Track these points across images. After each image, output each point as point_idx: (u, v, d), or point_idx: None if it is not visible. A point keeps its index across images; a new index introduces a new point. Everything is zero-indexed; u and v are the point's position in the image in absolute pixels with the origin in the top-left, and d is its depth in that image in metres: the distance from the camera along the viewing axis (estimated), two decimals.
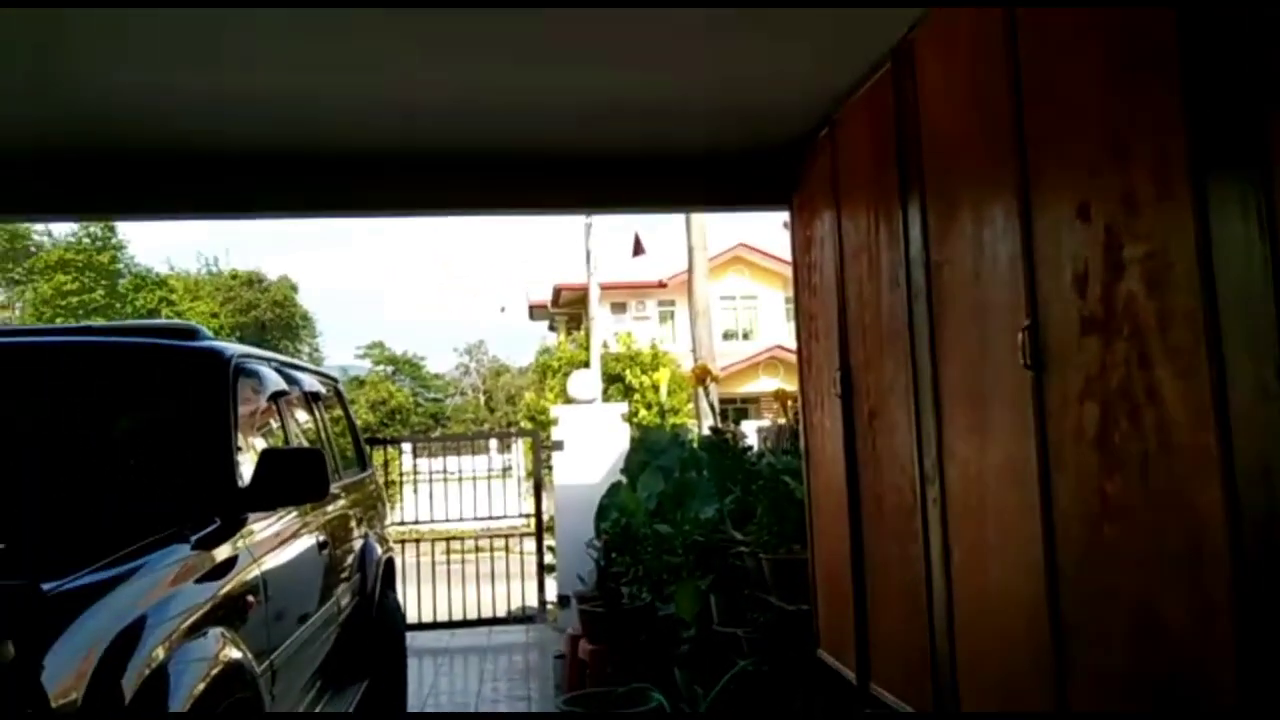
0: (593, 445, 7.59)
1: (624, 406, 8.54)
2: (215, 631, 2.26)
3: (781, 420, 6.84)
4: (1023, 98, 2.09)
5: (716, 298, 20.93)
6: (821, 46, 2.89)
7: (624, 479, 6.76)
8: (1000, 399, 2.23)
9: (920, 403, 2.68)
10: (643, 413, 16.45)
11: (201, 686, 2.04)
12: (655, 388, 17.45)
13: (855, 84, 3.12)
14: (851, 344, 3.30)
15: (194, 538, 2.42)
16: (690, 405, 16.30)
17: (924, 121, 2.64)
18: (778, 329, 26.62)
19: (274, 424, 3.64)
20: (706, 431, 6.42)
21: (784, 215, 4.10)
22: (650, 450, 6.74)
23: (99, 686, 1.73)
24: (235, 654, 2.29)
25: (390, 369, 44.82)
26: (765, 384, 22.82)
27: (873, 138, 3.04)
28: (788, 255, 4.23)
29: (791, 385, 6.46)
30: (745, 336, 27.94)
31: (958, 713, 2.49)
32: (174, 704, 1.92)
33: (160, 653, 1.96)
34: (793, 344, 4.36)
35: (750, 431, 7.85)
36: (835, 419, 3.43)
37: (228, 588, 2.45)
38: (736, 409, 23.89)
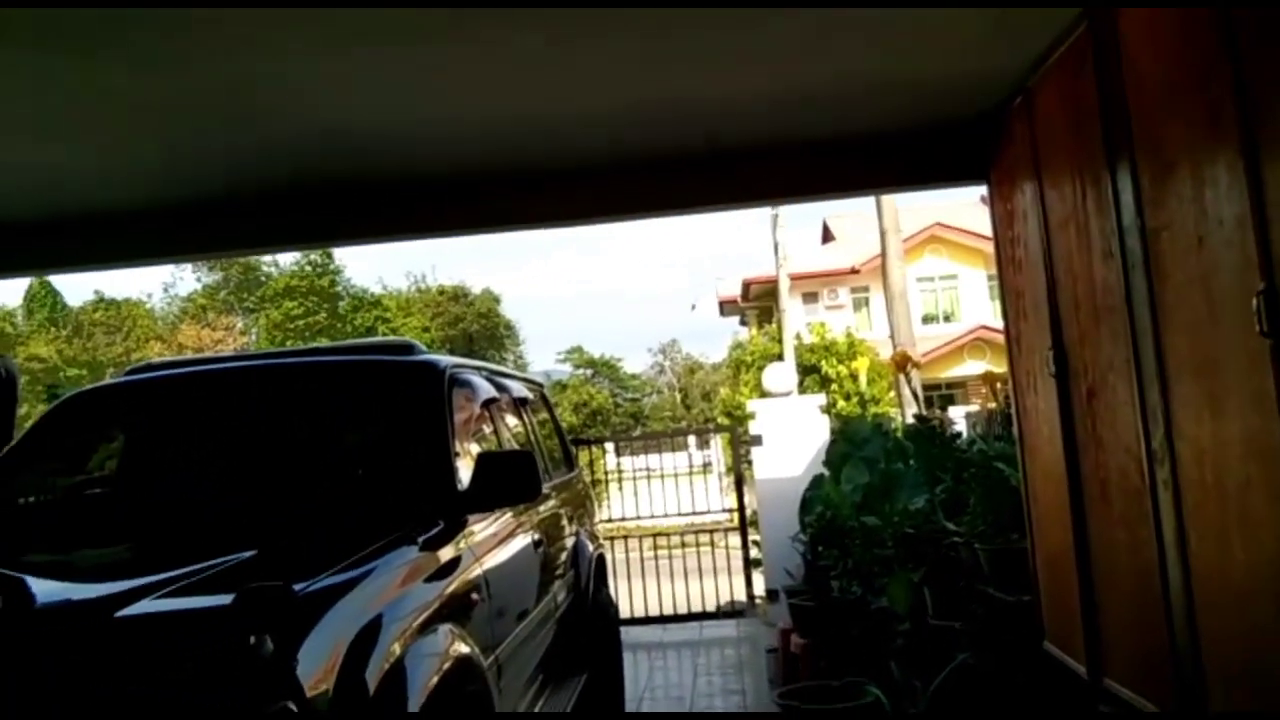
0: (791, 438, 7.54)
1: (821, 398, 8.43)
2: (445, 628, 2.40)
3: (991, 405, 6.57)
4: (1239, 41, 1.93)
5: (913, 280, 20.30)
6: (1010, 14, 2.78)
7: (826, 471, 6.67)
8: (1234, 370, 2.06)
9: (1143, 379, 2.51)
10: (841, 403, 16.17)
11: (435, 680, 2.17)
12: (853, 377, 17.12)
13: (1049, 48, 2.97)
14: (1063, 320, 3.13)
15: (421, 539, 2.58)
16: (891, 394, 15.89)
17: (1129, 80, 2.48)
18: (981, 309, 25.55)
19: (486, 429, 3.82)
20: (910, 420, 6.26)
21: (981, 190, 3.95)
22: (852, 441, 6.62)
23: (346, 680, 1.87)
24: (464, 649, 2.42)
25: (589, 371, 46.03)
26: (971, 367, 21.98)
27: (1073, 102, 2.88)
28: (987, 231, 4.06)
29: (999, 367, 6.19)
30: (946, 319, 26.96)
31: (1205, 712, 2.32)
32: (411, 696, 2.05)
33: (397, 648, 2.09)
34: (998, 323, 4.17)
35: (958, 418, 7.58)
36: (1050, 400, 3.27)
37: (453, 586, 2.59)
38: (941, 395, 23.11)
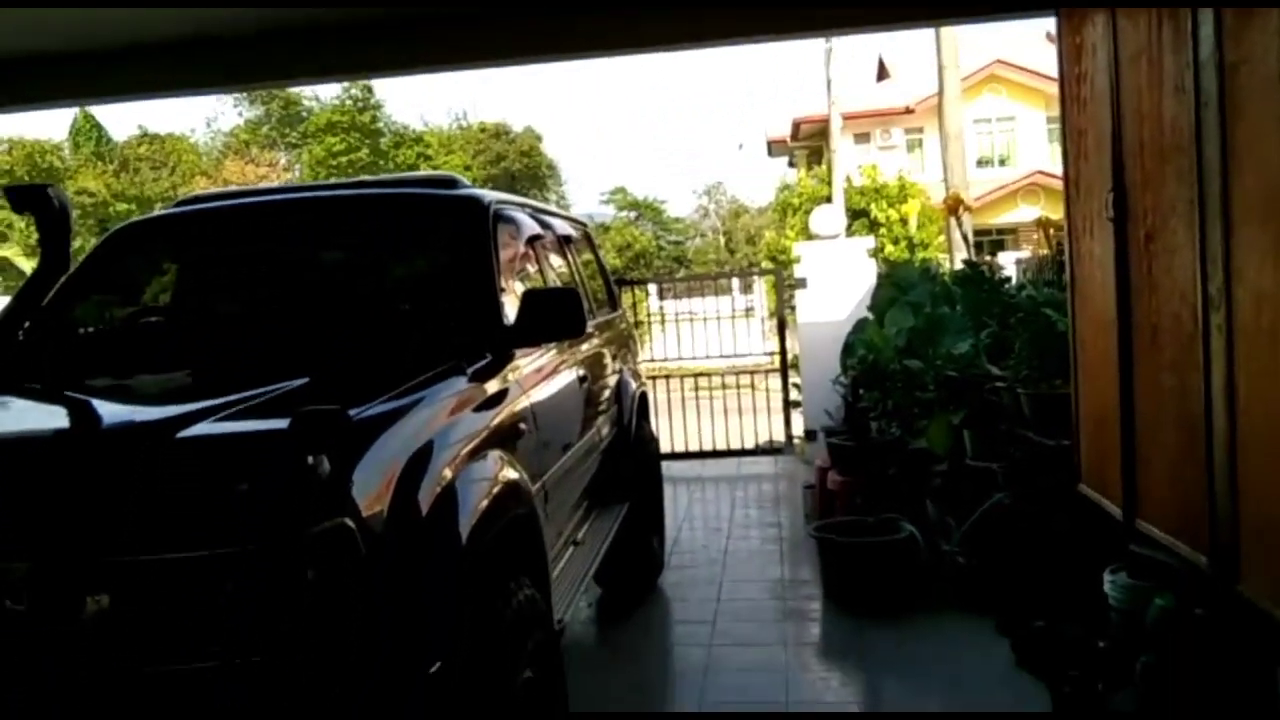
0: (837, 282, 7.48)
1: (869, 241, 8.31)
2: (494, 454, 2.47)
3: (1043, 251, 6.44)
4: None
5: (969, 121, 19.60)
6: None
7: (870, 315, 6.65)
8: None
9: (1206, 222, 2.44)
10: (889, 248, 15.94)
11: (485, 503, 2.25)
12: (903, 221, 16.82)
13: None
14: (1127, 161, 3.02)
15: (469, 370, 2.63)
16: (940, 239, 15.60)
17: None
18: (1038, 153, 24.71)
19: (531, 266, 3.83)
20: (959, 265, 6.16)
21: (1047, 24, 3.75)
22: (898, 285, 6.57)
23: (399, 501, 1.95)
24: (513, 474, 2.50)
25: (633, 214, 45.62)
26: (1024, 213, 21.44)
27: None
28: (1050, 70, 3.88)
29: (1053, 214, 6.03)
30: (1001, 163, 26.14)
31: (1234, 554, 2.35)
32: (463, 518, 2.13)
33: (448, 473, 2.16)
34: (1055, 169, 4.03)
35: (1007, 264, 7.46)
36: (1106, 244, 3.19)
37: (501, 416, 2.65)
38: (991, 241, 22.68)
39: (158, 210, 4.54)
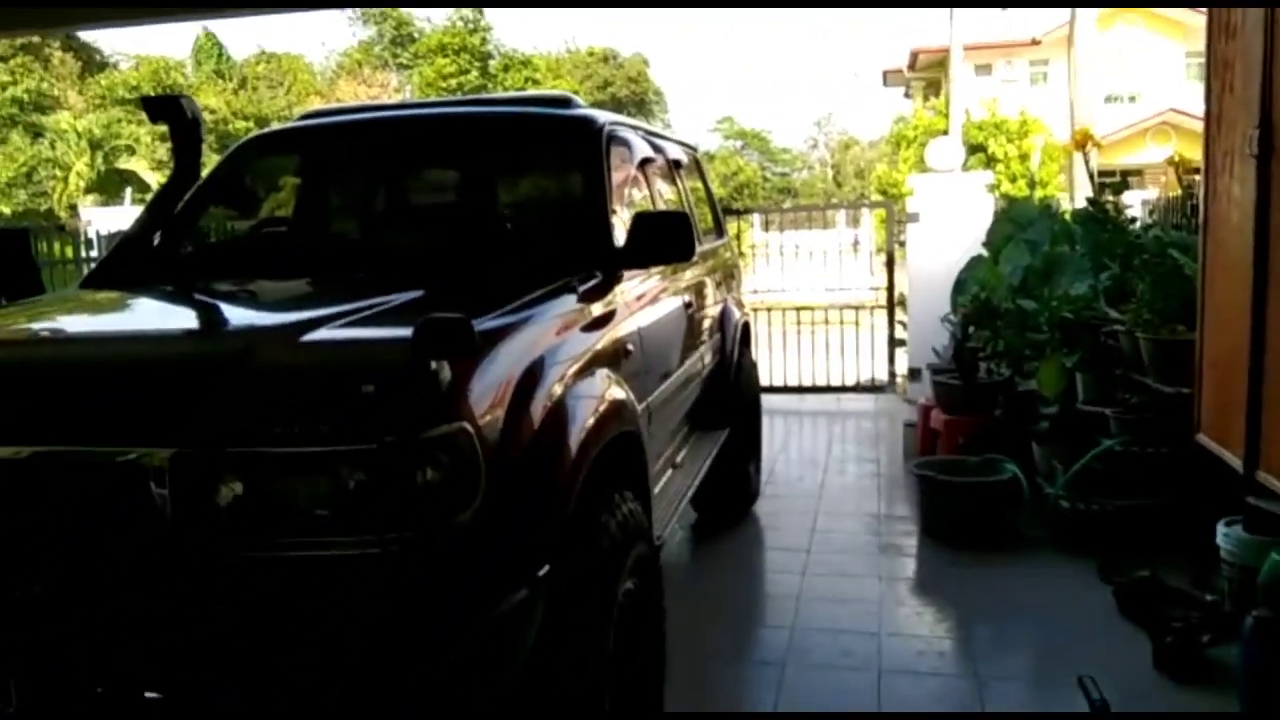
0: (951, 217, 7.28)
1: (988, 176, 8.04)
2: (602, 372, 2.51)
3: (1173, 192, 6.15)
4: None
5: (1099, 54, 18.63)
6: None
7: (985, 253, 6.47)
8: None
9: None
10: (1006, 185, 15.41)
11: (593, 419, 2.30)
12: (1023, 157, 16.20)
13: None
14: (1276, 94, 2.85)
15: (580, 289, 2.66)
16: (1061, 177, 15.01)
17: None
18: (1172, 90, 23.38)
19: (641, 189, 3.82)
20: (1082, 204, 5.92)
21: None
22: (1015, 222, 6.36)
23: (514, 412, 2.00)
24: (620, 393, 2.54)
25: (739, 143, 44.95)
26: (1152, 154, 20.38)
27: None
28: None
29: (1188, 153, 5.73)
30: (1131, 100, 24.85)
31: None
32: (572, 433, 2.18)
33: (559, 388, 2.21)
34: (1191, 107, 3.81)
35: (1134, 204, 7.13)
36: (1247, 183, 3.03)
37: (609, 336, 2.69)
38: (1116, 182, 21.67)
39: (277, 125, 4.66)
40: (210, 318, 2.62)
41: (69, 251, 9.43)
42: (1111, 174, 22.17)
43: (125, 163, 28.51)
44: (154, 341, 2.32)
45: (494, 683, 1.84)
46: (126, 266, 3.18)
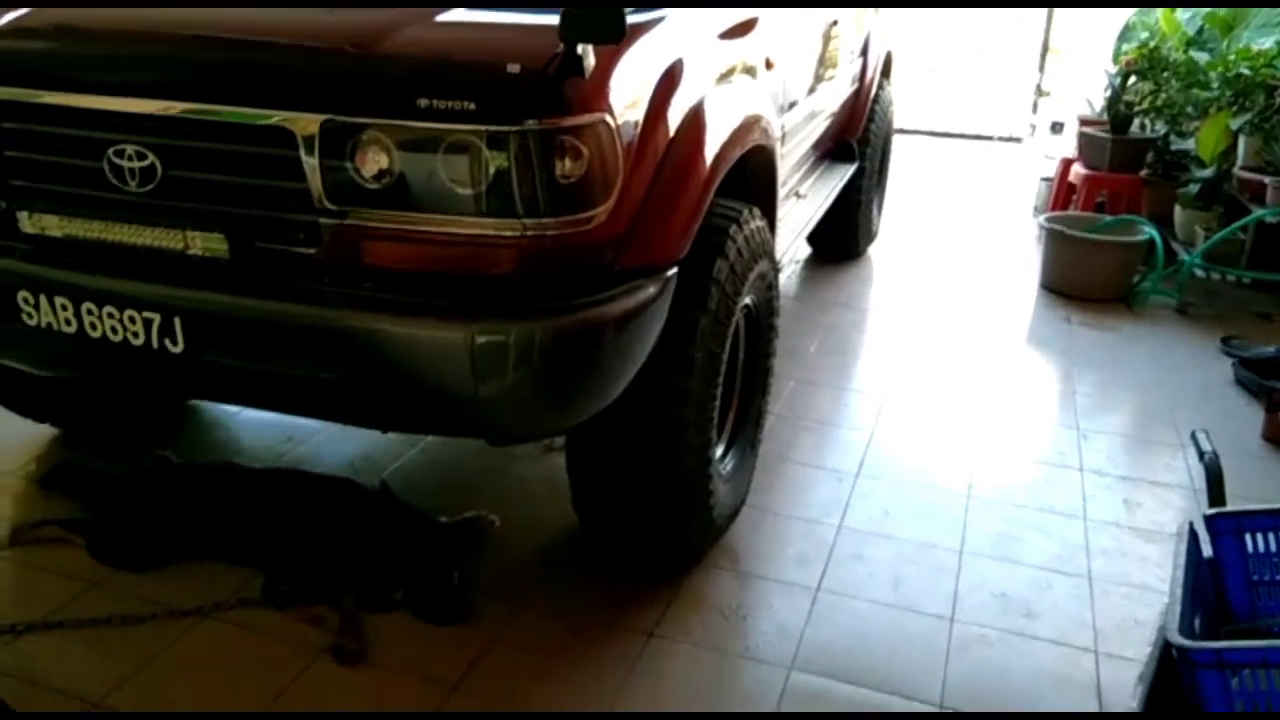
0: None
1: None
2: (741, 81, 2.42)
3: None
4: None
5: None
6: None
7: None
8: None
9: None
10: None
11: (730, 130, 2.24)
12: None
13: None
14: None
15: None
16: None
17: None
18: None
19: None
20: None
21: None
22: None
23: (653, 112, 1.96)
24: (757, 106, 2.46)
25: None
26: None
27: None
28: None
29: None
30: None
31: None
32: (709, 140, 2.13)
33: (697, 93, 2.14)
34: None
35: None
36: None
37: (751, 44, 2.57)
38: None
39: None
40: None
41: None
42: None
43: None
44: (301, 13, 2.30)
45: (619, 372, 1.92)
46: None
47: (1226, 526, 1.89)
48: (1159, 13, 5.43)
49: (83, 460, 2.73)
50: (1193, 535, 1.87)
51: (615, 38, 1.70)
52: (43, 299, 1.94)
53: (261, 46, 1.96)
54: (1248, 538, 1.90)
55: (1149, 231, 4.37)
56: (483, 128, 1.71)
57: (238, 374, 1.91)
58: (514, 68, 1.73)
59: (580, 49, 1.72)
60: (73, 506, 2.54)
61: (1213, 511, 1.91)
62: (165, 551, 2.38)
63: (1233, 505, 1.96)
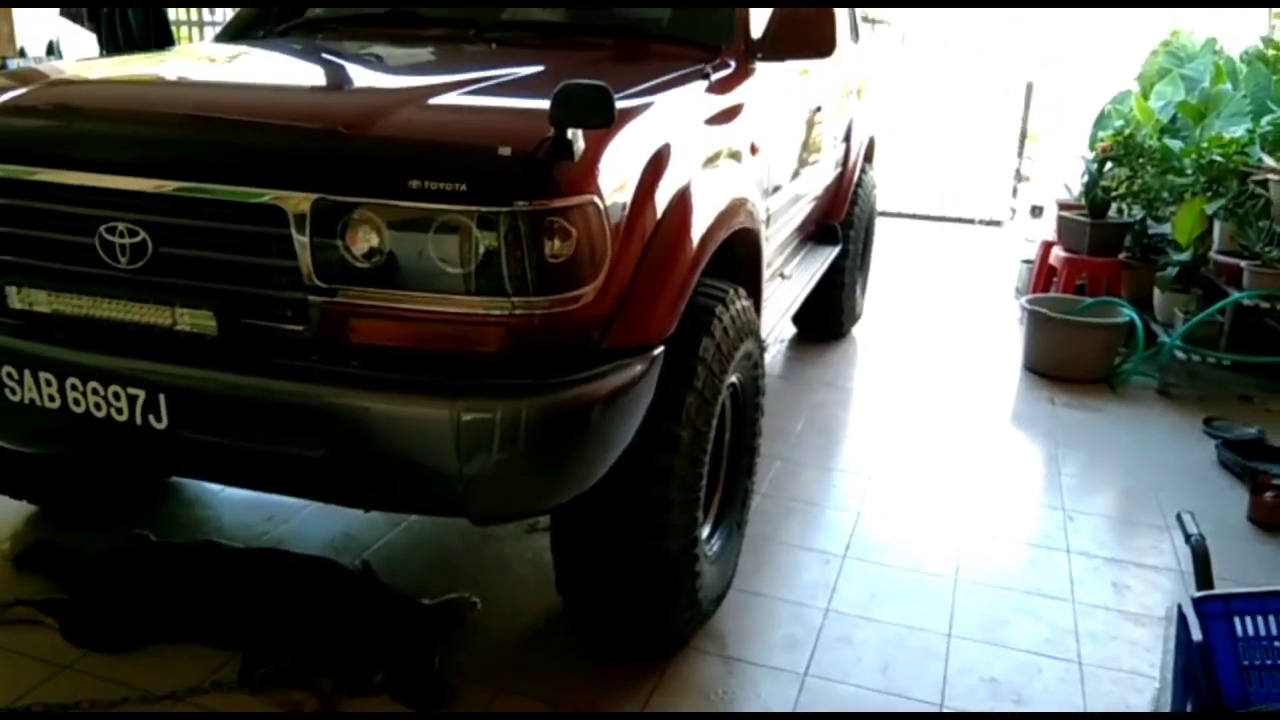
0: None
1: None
2: (727, 165, 2.47)
3: None
4: None
5: None
6: None
7: (1137, 87, 6.05)
8: None
9: None
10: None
11: (716, 212, 2.27)
12: None
13: None
14: None
15: (712, 78, 2.58)
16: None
17: None
18: None
19: None
20: (1257, 43, 5.45)
21: None
22: (1176, 56, 5.92)
23: (640, 194, 1.99)
24: (743, 189, 2.50)
25: None
26: None
27: None
28: None
29: None
30: None
31: None
32: (695, 222, 2.17)
33: (684, 176, 2.18)
34: None
35: None
36: None
37: (737, 129, 2.62)
38: None
39: None
40: (345, 76, 2.63)
41: (194, 12, 9.51)
42: None
43: None
44: (295, 93, 2.35)
45: (605, 450, 1.91)
46: (258, 23, 3.20)
47: (1215, 610, 1.88)
48: (1133, 101, 5.59)
49: (60, 538, 2.69)
50: (1182, 619, 1.86)
51: (604, 122, 1.74)
52: (27, 374, 1.93)
53: (255, 127, 1.99)
54: (1237, 621, 1.88)
55: (1129, 313, 4.42)
56: (474, 208, 1.74)
57: (221, 451, 1.90)
58: (505, 150, 1.76)
59: (570, 133, 1.76)
60: (48, 586, 2.48)
61: (1201, 595, 1.89)
62: (141, 633, 2.32)
63: (1220, 588, 1.95)
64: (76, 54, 6.75)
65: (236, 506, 3.01)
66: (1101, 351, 4.43)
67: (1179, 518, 2.02)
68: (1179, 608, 1.87)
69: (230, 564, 2.49)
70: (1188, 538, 1.93)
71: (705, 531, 2.46)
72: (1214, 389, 4.39)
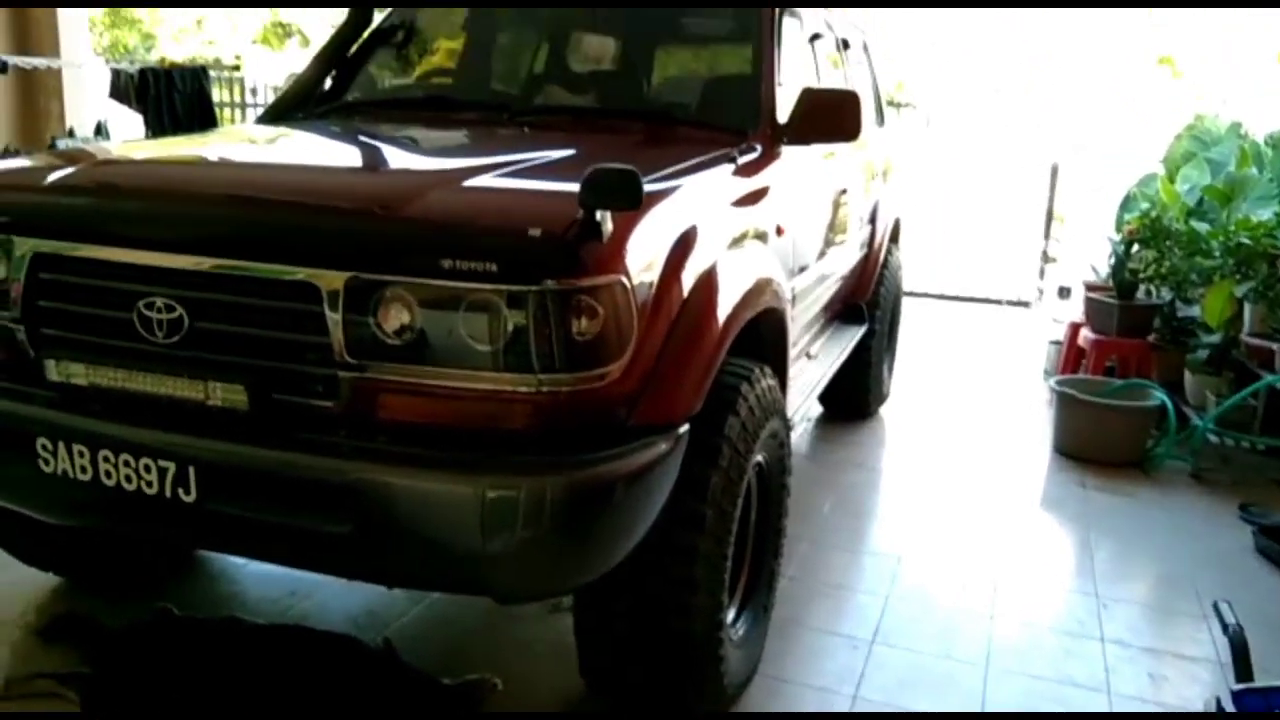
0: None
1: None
2: (753, 246, 2.50)
3: None
4: None
5: None
6: None
7: (1162, 170, 6.09)
8: None
9: None
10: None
11: (741, 293, 2.29)
12: None
13: None
14: None
15: (739, 161, 2.62)
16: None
17: None
18: None
19: (809, 64, 3.70)
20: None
21: None
22: (1201, 140, 5.95)
23: (667, 275, 2.01)
24: (769, 270, 2.52)
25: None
26: None
27: None
28: None
29: None
30: None
31: None
32: (721, 301, 2.19)
33: (710, 257, 2.21)
34: None
35: None
36: None
37: (763, 211, 2.66)
38: None
39: None
40: (381, 158, 2.70)
41: (236, 94, 9.80)
42: None
43: (289, 14, 29.10)
44: (331, 174, 2.41)
45: (629, 529, 1.90)
46: (299, 105, 3.30)
47: (1256, 705, 1.82)
48: (1159, 184, 5.61)
49: (84, 611, 2.69)
50: (1221, 713, 1.80)
51: (632, 205, 1.78)
52: (60, 446, 1.96)
53: (292, 206, 2.04)
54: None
55: (1160, 396, 4.38)
56: (503, 287, 1.76)
57: (248, 525, 1.91)
58: (535, 231, 1.80)
59: (599, 214, 1.79)
60: (71, 659, 2.48)
61: (1240, 687, 1.84)
62: (161, 710, 2.31)
63: (1260, 680, 1.90)
64: (124, 134, 6.98)
65: (260, 581, 3.01)
66: (1133, 434, 4.38)
67: (1216, 607, 1.97)
68: (1218, 700, 1.82)
69: (253, 641, 2.48)
70: (1225, 628, 1.89)
71: (731, 614, 2.43)
72: (1248, 473, 4.32)
